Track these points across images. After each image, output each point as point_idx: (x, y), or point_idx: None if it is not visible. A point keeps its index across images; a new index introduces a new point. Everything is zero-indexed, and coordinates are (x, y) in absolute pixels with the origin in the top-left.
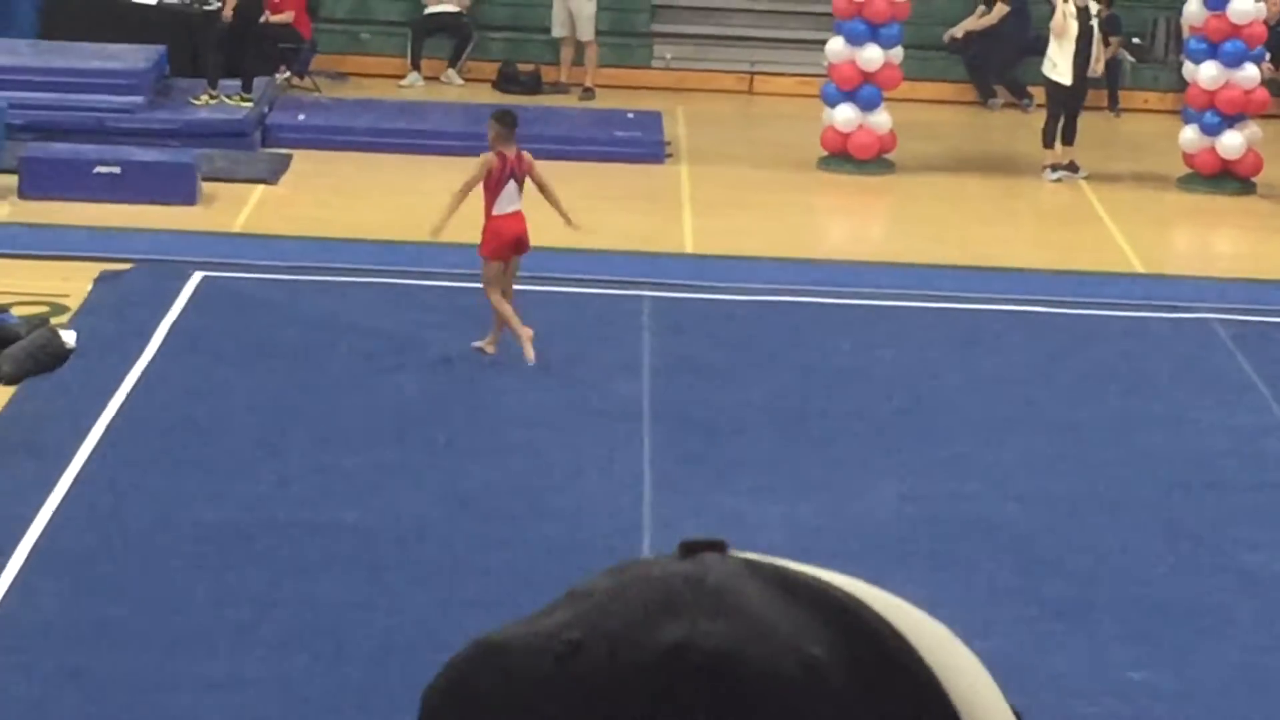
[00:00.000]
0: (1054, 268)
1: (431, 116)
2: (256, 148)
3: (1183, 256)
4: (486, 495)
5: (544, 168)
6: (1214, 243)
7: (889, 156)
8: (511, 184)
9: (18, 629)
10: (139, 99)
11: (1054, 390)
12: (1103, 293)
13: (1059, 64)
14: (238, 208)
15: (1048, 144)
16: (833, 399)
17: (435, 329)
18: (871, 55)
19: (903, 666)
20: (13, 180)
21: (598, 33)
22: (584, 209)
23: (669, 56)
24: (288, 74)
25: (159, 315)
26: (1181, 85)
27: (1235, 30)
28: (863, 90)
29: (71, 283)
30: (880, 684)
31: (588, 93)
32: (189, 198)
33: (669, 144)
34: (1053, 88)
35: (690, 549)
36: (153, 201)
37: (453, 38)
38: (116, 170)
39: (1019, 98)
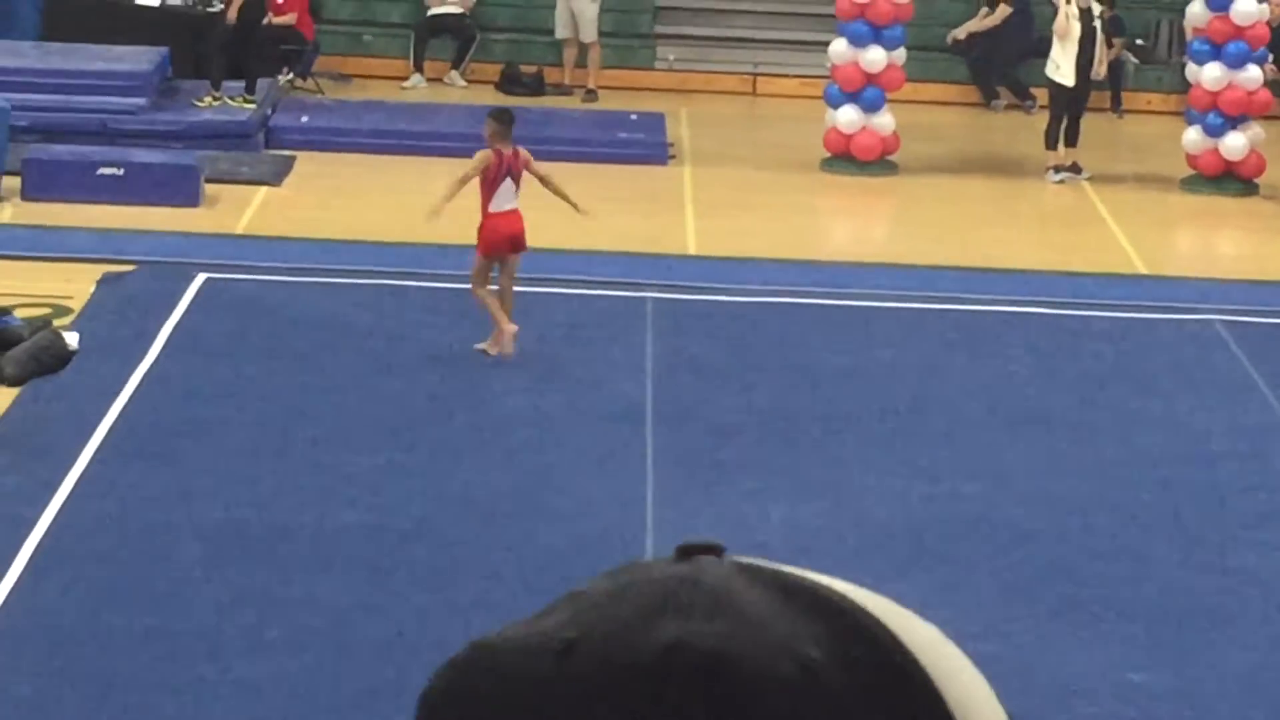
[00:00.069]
0: (1057, 269)
1: (434, 118)
2: (259, 149)
3: (1185, 258)
4: (489, 496)
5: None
6: (1217, 244)
7: (892, 158)
8: (508, 182)
9: (21, 630)
10: (142, 101)
11: (1056, 391)
12: (1105, 294)
13: (1062, 65)
14: (241, 209)
15: (1050, 145)
16: (835, 400)
17: (438, 330)
18: (874, 57)
19: (898, 668)
20: (16, 182)
21: (601, 34)
22: (586, 210)
23: (672, 58)
24: (291, 76)
25: (162, 317)
26: (1184, 87)
27: (1238, 32)
28: (866, 92)
29: (74, 284)
30: (876, 685)
31: (591, 94)
32: (192, 199)
33: (672, 145)
34: (1056, 89)
35: (687, 552)
36: (156, 203)
37: (456, 39)
38: (119, 172)
39: (1022, 99)
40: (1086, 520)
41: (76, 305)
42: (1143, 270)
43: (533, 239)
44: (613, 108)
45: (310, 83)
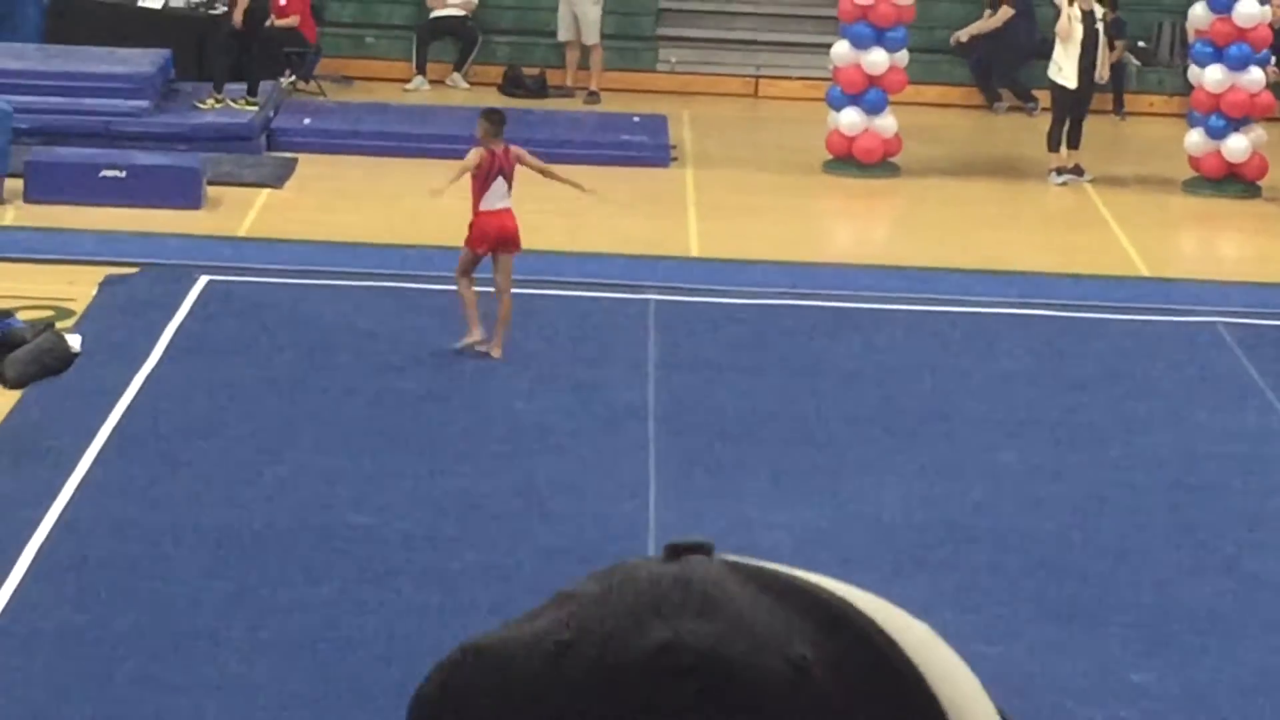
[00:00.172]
0: (1059, 271)
1: (437, 120)
2: (262, 152)
3: (1188, 260)
4: (491, 498)
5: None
6: (1219, 246)
7: (894, 160)
8: (500, 180)
9: (24, 632)
10: (144, 103)
11: (1058, 393)
12: (1108, 296)
13: (1064, 67)
14: (243, 212)
15: (1053, 147)
16: (838, 402)
17: (440, 333)
18: (877, 59)
19: (890, 666)
20: (19, 184)
21: (603, 36)
22: (589, 212)
23: (674, 60)
24: (293, 78)
25: (164, 319)
26: (1187, 89)
27: (1240, 34)
28: (868, 94)
29: (77, 286)
30: (868, 684)
31: (593, 96)
32: (194, 201)
33: (674, 147)
34: (1058, 91)
35: (676, 551)
36: (158, 205)
37: (458, 41)
38: (122, 174)
39: (1024, 101)
40: (1088, 522)
41: (79, 307)
42: (1145, 272)
43: (535, 241)
44: (615, 110)
45: (312, 85)
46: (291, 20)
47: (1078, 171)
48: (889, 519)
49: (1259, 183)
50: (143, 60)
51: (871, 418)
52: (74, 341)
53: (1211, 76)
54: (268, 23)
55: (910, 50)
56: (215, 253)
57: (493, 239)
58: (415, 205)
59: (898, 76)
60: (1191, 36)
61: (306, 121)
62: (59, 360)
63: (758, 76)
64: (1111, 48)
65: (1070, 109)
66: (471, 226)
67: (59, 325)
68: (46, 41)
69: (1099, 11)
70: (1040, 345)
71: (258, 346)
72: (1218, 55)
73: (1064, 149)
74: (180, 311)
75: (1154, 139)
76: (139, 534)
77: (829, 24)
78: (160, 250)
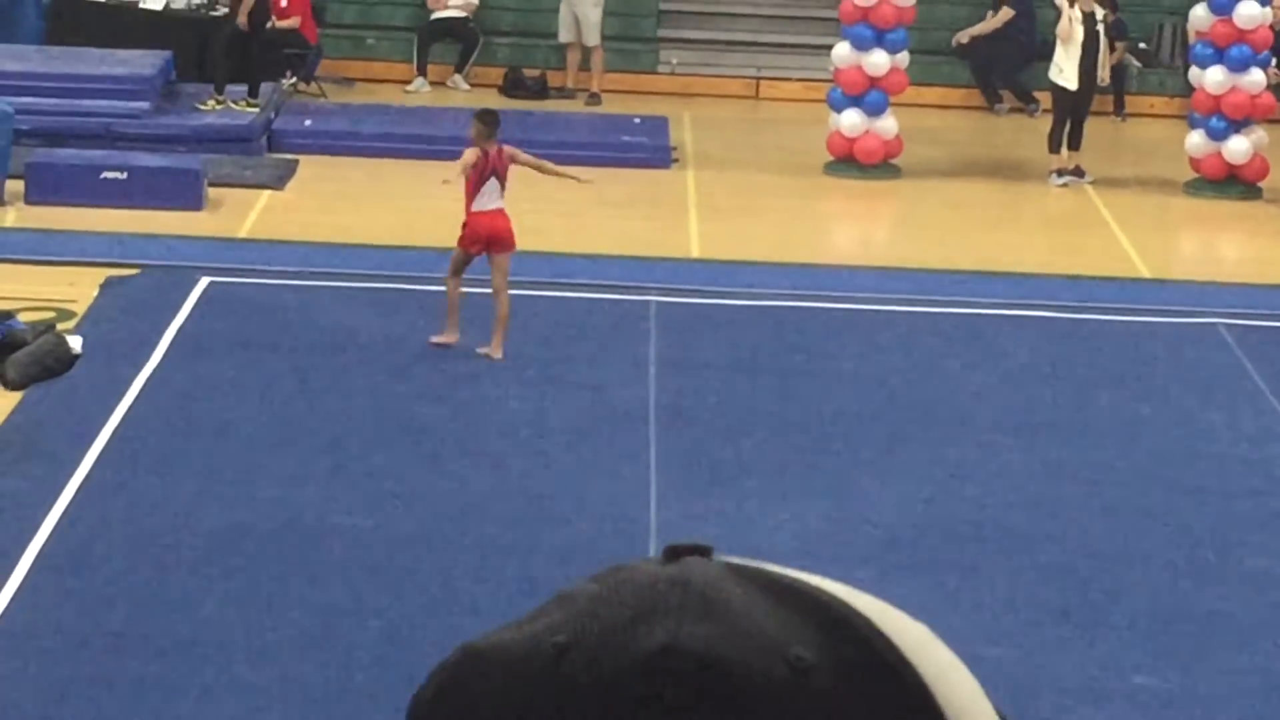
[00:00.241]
0: (1060, 272)
1: (438, 122)
2: (263, 153)
3: (1189, 261)
4: (493, 500)
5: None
6: (1220, 247)
7: (895, 161)
8: (493, 181)
9: (25, 633)
10: (145, 104)
11: (1060, 395)
12: (1109, 297)
13: (1065, 69)
14: (244, 213)
15: (1054, 149)
16: (839, 404)
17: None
18: (877, 60)
19: (889, 667)
20: (20, 186)
21: (604, 38)
22: (590, 213)
23: (675, 62)
24: (294, 79)
25: (165, 320)
26: (1187, 90)
27: (1241, 35)
28: (869, 95)
29: (78, 288)
30: (867, 685)
31: (594, 98)
32: (195, 203)
33: (675, 149)
34: (1059, 93)
35: (676, 553)
36: (159, 207)
37: (459, 43)
38: (123, 176)
39: (1025, 103)
40: (1089, 523)
41: (80, 309)
42: (1145, 273)
43: (536, 242)
44: (616, 111)
45: (313, 86)
46: (292, 21)
47: (1078, 173)
48: (889, 519)
49: (1260, 184)
50: (143, 62)
51: (872, 418)
52: (75, 343)
53: (1212, 78)
54: (268, 24)
55: (911, 52)
56: (216, 254)
57: (485, 239)
58: (416, 207)
59: (899, 78)
60: (1192, 38)
61: (307, 123)
62: (60, 362)
63: (758, 78)
64: (1112, 49)
65: (1071, 110)
66: (464, 226)
67: (60, 327)
68: (47, 43)
69: (1100, 13)
70: (1041, 346)
71: (259, 348)
72: (1218, 57)
73: (1065, 150)
74: (181, 313)
75: (1155, 140)
76: (140, 535)
77: (830, 25)
78: (161, 252)
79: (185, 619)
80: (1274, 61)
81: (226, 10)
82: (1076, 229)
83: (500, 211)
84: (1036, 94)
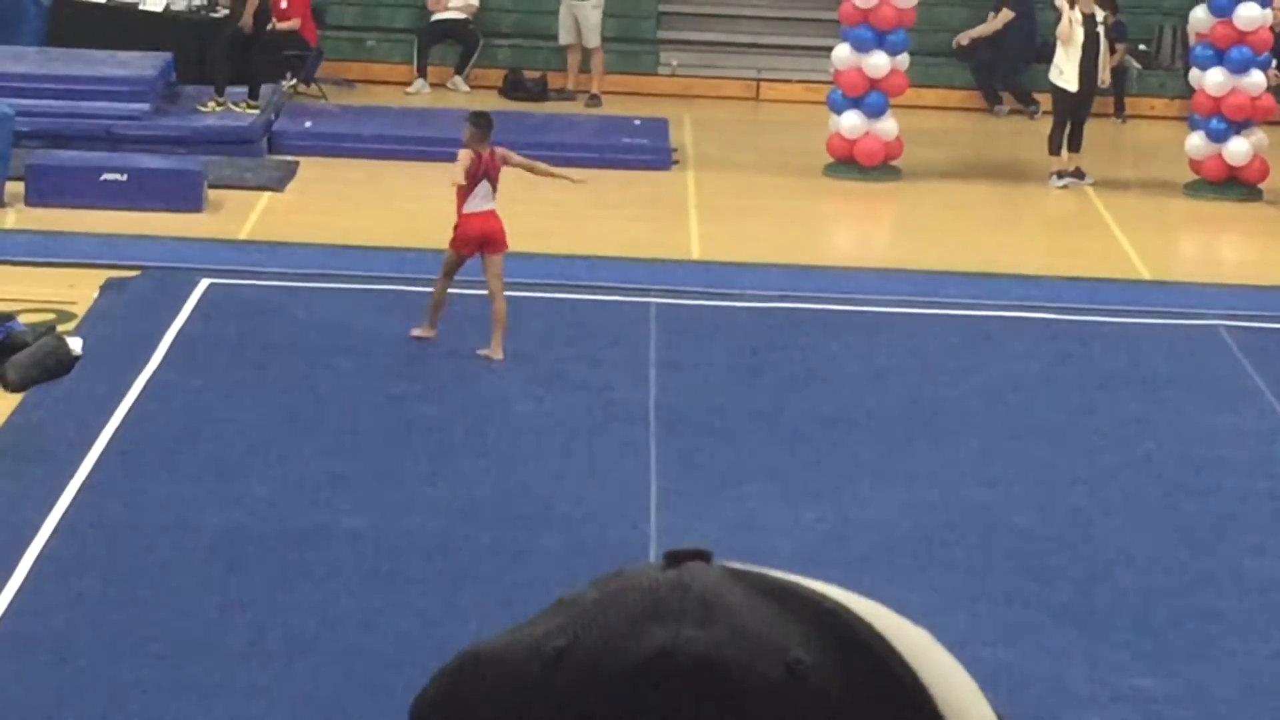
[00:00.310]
0: (1060, 274)
1: (438, 124)
2: (263, 155)
3: (1189, 263)
4: (493, 502)
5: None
6: (1220, 249)
7: (895, 163)
8: (485, 183)
9: (24, 636)
10: (146, 106)
11: (1060, 396)
12: (1109, 299)
13: (1065, 71)
14: (244, 215)
15: (1054, 151)
16: (839, 405)
17: (442, 336)
18: (878, 62)
19: (888, 670)
20: (20, 187)
21: (604, 39)
22: (590, 215)
23: (675, 63)
24: (294, 81)
25: (165, 322)
26: (1188, 92)
27: (1241, 37)
28: (869, 97)
29: (78, 290)
30: (866, 688)
31: (594, 100)
32: (195, 205)
33: (675, 151)
34: (1059, 94)
35: (675, 558)
36: (159, 209)
37: (459, 45)
38: (123, 177)
39: (1025, 104)
40: (1090, 525)
41: (80, 311)
42: (1146, 275)
43: (537, 244)
44: (616, 113)
45: (314, 88)
46: (293, 23)
47: (1079, 175)
48: (889, 521)
49: (1260, 186)
50: (144, 63)
51: (872, 420)
52: (75, 345)
53: (1212, 79)
54: (269, 26)
55: (911, 53)
56: (216, 256)
57: (476, 240)
58: (416, 208)
59: (899, 79)
60: (1192, 39)
61: (307, 124)
62: (60, 364)
63: (759, 80)
64: (1112, 51)
65: (1071, 112)
66: (456, 228)
67: (60, 329)
68: (48, 45)
69: (1100, 15)
70: (1041, 348)
71: (259, 349)
72: (1219, 58)
73: (1065, 152)
74: (181, 315)
75: (1155, 142)
76: (139, 537)
77: (830, 27)
78: (161, 253)
79: (185, 620)
80: (1274, 63)
81: (227, 12)
82: (1077, 231)
83: (492, 213)
84: (1036, 96)
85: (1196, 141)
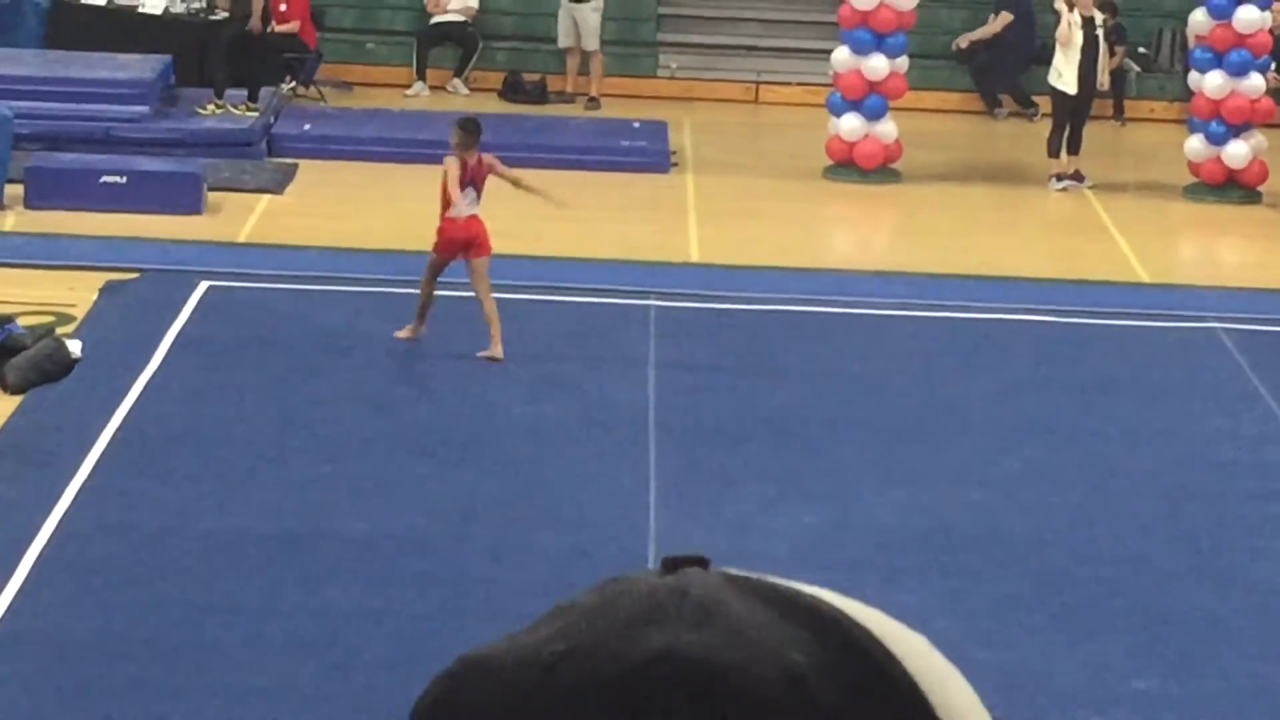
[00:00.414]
0: (1060, 277)
1: (437, 126)
2: (262, 157)
3: (1188, 266)
4: (492, 505)
5: (542, 174)
6: (1219, 252)
7: (894, 166)
8: (470, 189)
9: (24, 638)
10: (145, 108)
11: (1059, 399)
12: (1108, 302)
13: (1064, 73)
14: (243, 217)
15: (1053, 153)
16: (838, 408)
17: (441, 338)
18: (877, 64)
19: (886, 675)
20: (19, 190)
21: (603, 42)
22: (590, 217)
23: (674, 66)
24: (293, 84)
25: (165, 325)
26: (1187, 94)
27: (1240, 39)
28: (868, 100)
29: (77, 292)
30: (864, 693)
31: (593, 102)
32: (195, 207)
33: (674, 153)
34: (1058, 97)
35: (674, 564)
36: (158, 211)
37: (458, 47)
38: (122, 180)
39: (1024, 107)
40: (1089, 528)
41: (79, 313)
42: (1145, 278)
43: (536, 247)
44: (615, 116)
45: (313, 90)
46: (292, 26)
47: (1078, 177)
48: (888, 524)
49: (1259, 189)
50: (143, 66)
51: (871, 423)
52: (74, 347)
53: (1212, 82)
54: (268, 28)
55: (911, 56)
56: (215, 258)
57: (459, 244)
58: (415, 210)
59: (898, 82)
60: (1192, 42)
61: (307, 127)
62: (59, 366)
63: (758, 82)
64: (1112, 54)
65: (1070, 115)
66: (439, 232)
67: (59, 331)
68: (47, 47)
69: (1099, 18)
70: (1040, 351)
71: (258, 352)
72: (1218, 61)
73: (1064, 155)
74: (180, 317)
75: (1154, 145)
76: (139, 539)
77: (829, 30)
78: (160, 256)
79: (184, 623)
80: (1273, 66)
81: (226, 14)
82: (1076, 233)
83: (475, 217)
84: (1036, 98)
85: (1195, 144)
